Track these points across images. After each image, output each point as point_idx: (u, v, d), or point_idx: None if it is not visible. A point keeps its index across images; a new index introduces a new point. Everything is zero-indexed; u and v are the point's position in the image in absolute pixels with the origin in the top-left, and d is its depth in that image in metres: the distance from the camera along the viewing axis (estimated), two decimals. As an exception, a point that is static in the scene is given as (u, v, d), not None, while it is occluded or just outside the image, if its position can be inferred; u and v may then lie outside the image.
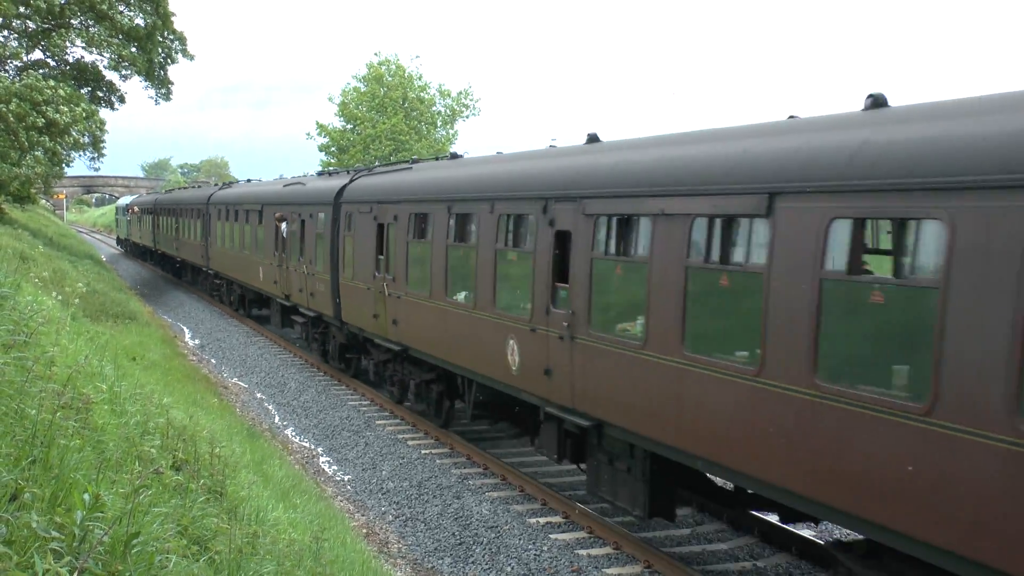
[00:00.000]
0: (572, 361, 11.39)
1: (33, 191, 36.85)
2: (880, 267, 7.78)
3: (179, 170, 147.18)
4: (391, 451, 16.33)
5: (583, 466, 12.46)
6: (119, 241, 74.31)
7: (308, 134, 54.81)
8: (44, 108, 29.33)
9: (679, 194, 9.54)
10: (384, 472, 15.38)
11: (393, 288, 17.28)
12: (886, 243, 7.74)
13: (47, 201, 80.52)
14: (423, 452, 16.05)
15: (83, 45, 36.00)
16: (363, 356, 21.15)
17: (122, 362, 14.43)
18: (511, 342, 12.84)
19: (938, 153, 6.95)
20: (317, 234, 21.91)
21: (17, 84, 29.86)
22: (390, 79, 52.98)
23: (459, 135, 55.27)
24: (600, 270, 10.97)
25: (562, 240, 11.67)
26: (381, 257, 17.89)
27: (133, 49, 35.84)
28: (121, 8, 34.81)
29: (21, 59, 34.93)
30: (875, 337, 7.60)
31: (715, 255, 9.12)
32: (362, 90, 53.31)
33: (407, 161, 21.86)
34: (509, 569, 11.22)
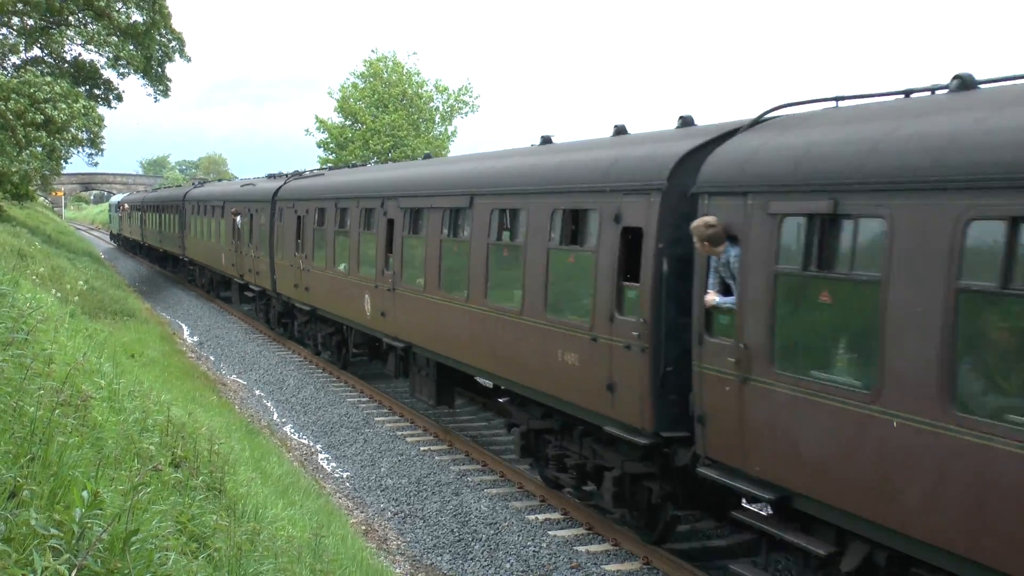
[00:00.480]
0: (395, 307, 17.15)
1: (32, 188, 36.82)
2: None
3: (177, 167, 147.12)
4: (390, 448, 16.33)
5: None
6: (112, 236, 77.81)
7: (307, 130, 54.76)
8: (42, 105, 29.30)
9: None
10: (383, 469, 15.39)
11: (306, 264, 22.79)
12: None
13: (45, 198, 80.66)
14: (422, 449, 16.06)
15: (81, 43, 35.98)
16: (293, 320, 26.33)
17: (121, 359, 14.42)
18: (366, 296, 18.58)
19: None
20: (260, 225, 27.28)
21: (15, 81, 29.83)
22: (387, 75, 52.91)
23: (458, 132, 55.25)
24: (405, 244, 16.76)
25: (390, 225, 17.46)
26: (299, 240, 23.40)
27: (131, 47, 35.80)
28: (119, 6, 34.77)
29: (19, 54, 34.91)
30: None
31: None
32: (360, 86, 53.23)
33: (324, 169, 28.73)
34: (508, 566, 11.23)
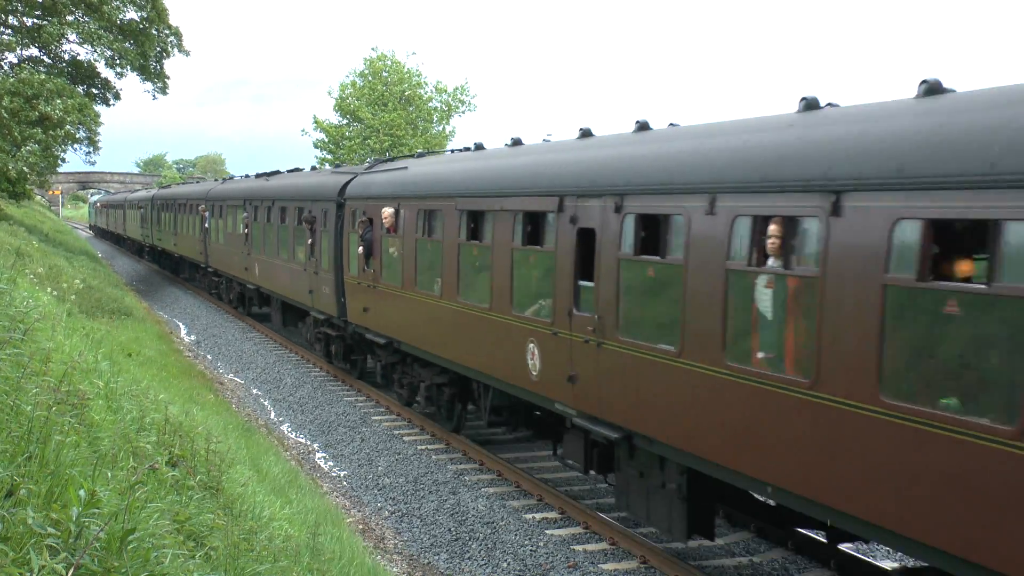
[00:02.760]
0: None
1: (29, 187, 36.78)
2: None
3: (175, 166, 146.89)
4: (387, 447, 16.33)
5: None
6: (91, 227, 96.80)
7: (303, 130, 54.71)
8: (36, 102, 29.28)
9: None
10: (380, 468, 15.38)
11: (245, 248, 28.83)
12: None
13: (43, 197, 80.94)
14: (419, 448, 16.05)
15: (77, 40, 35.94)
16: (228, 291, 33.63)
17: (118, 358, 14.41)
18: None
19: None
20: (202, 216, 35.18)
21: (11, 80, 29.80)
22: (386, 75, 52.86)
23: (456, 131, 55.17)
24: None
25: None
26: (229, 231, 30.83)
27: (128, 45, 35.75)
28: (114, 2, 34.72)
29: (14, 50, 34.84)
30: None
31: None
32: (360, 85, 53.18)
33: (244, 176, 35.28)
34: (505, 565, 11.24)
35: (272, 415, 19.66)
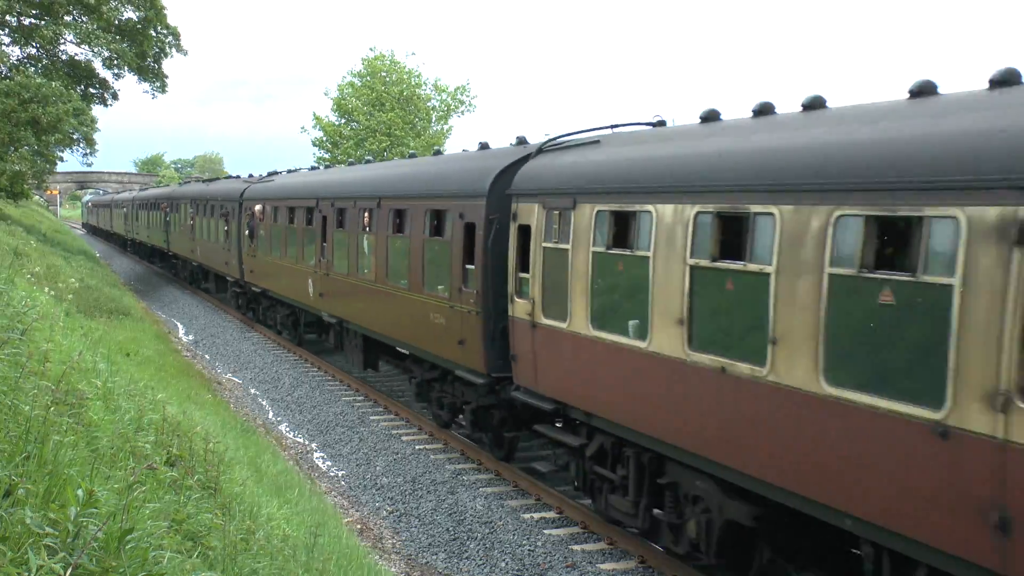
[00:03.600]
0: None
1: (26, 187, 36.78)
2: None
3: (173, 165, 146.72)
4: (385, 447, 16.33)
5: None
6: (83, 224, 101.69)
7: (302, 128, 54.65)
8: (30, 104, 29.26)
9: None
10: (378, 468, 15.38)
11: (191, 235, 37.38)
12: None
13: (41, 197, 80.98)
14: (417, 448, 16.05)
15: (75, 41, 35.91)
16: (183, 269, 43.03)
17: (116, 358, 14.39)
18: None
19: None
20: (163, 212, 44.74)
21: (7, 82, 29.79)
22: (385, 75, 52.82)
23: (453, 131, 55.14)
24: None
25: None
26: (183, 223, 39.25)
27: (125, 45, 35.73)
28: (111, 3, 34.69)
29: (12, 49, 34.87)
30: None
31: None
32: (357, 85, 53.14)
33: (211, 179, 45.14)
34: (503, 564, 11.24)
35: (270, 415, 19.65)
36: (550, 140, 13.10)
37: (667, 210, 9.47)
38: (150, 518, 5.15)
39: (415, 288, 15.97)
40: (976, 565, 6.50)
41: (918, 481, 6.85)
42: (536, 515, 12.67)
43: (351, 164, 27.28)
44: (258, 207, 27.20)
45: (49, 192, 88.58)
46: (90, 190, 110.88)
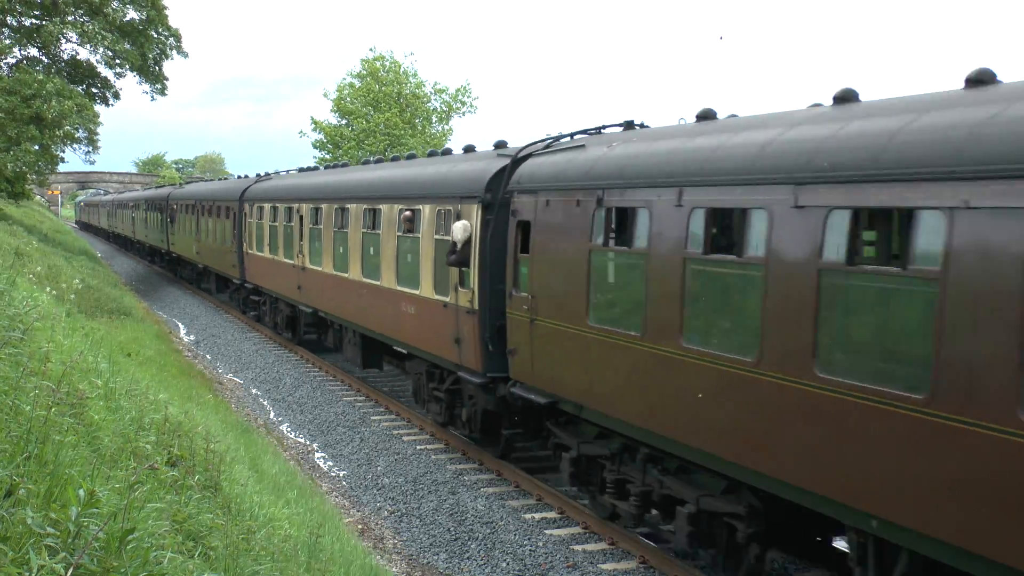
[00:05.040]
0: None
1: (28, 187, 36.81)
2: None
3: (174, 166, 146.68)
4: (386, 447, 16.33)
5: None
6: (76, 222, 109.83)
7: (301, 132, 54.76)
8: (33, 102, 29.27)
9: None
10: (379, 468, 15.38)
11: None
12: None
13: (42, 197, 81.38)
14: (418, 448, 16.05)
15: (77, 40, 35.93)
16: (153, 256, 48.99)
17: (117, 358, 14.39)
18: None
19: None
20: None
21: (7, 78, 29.81)
22: (384, 75, 52.81)
23: (454, 131, 55.14)
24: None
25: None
26: (150, 222, 47.20)
27: (127, 45, 35.73)
28: (114, 3, 34.71)
29: (11, 52, 34.85)
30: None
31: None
32: (356, 85, 53.13)
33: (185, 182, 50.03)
34: (504, 565, 11.24)
35: (271, 415, 19.66)
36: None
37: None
38: (151, 518, 5.14)
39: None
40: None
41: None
42: (537, 515, 12.66)
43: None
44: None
45: (50, 192, 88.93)
46: (91, 190, 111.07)
